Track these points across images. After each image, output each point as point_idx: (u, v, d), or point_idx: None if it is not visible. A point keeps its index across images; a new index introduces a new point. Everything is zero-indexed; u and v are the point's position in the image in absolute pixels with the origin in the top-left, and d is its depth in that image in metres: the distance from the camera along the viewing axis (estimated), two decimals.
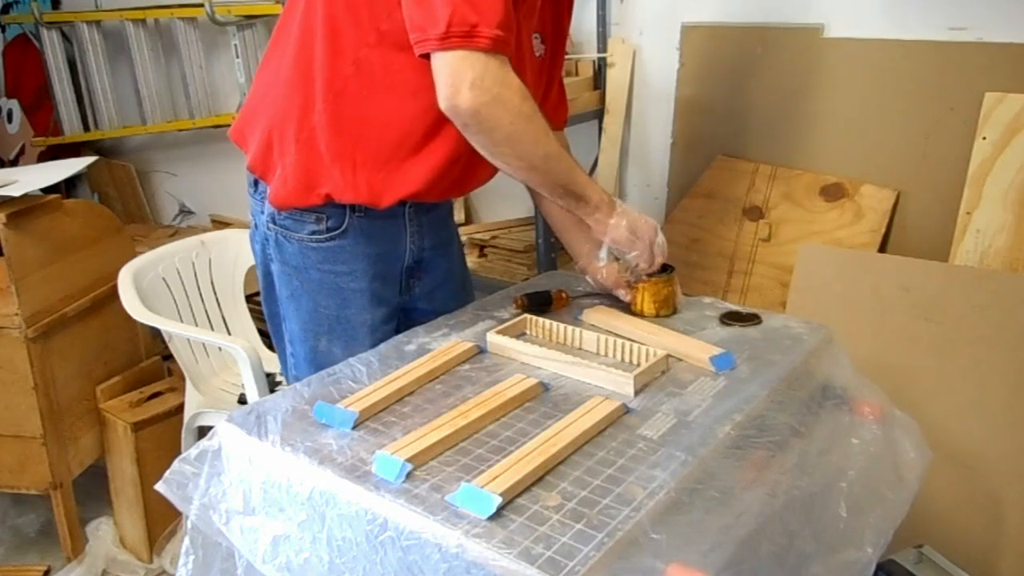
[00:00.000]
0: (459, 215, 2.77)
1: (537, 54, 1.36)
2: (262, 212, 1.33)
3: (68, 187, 3.64)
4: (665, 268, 1.33)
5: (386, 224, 1.33)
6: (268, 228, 1.32)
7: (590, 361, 1.12)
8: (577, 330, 1.23)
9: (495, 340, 1.21)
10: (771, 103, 2.15)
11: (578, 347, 1.22)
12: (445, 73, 1.08)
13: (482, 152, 1.17)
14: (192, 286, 2.21)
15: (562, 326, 1.24)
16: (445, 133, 1.22)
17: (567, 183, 1.21)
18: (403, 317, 1.43)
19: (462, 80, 1.07)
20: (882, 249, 1.97)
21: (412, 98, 1.19)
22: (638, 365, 1.13)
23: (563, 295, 1.37)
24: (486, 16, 1.05)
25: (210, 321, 2.23)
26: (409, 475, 0.89)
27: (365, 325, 1.34)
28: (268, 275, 1.38)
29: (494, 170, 1.28)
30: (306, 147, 1.24)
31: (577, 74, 2.43)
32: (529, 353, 1.17)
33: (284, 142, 1.26)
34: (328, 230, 1.29)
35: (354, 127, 1.23)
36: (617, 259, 1.33)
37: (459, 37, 1.05)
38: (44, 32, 3.31)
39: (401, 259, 1.38)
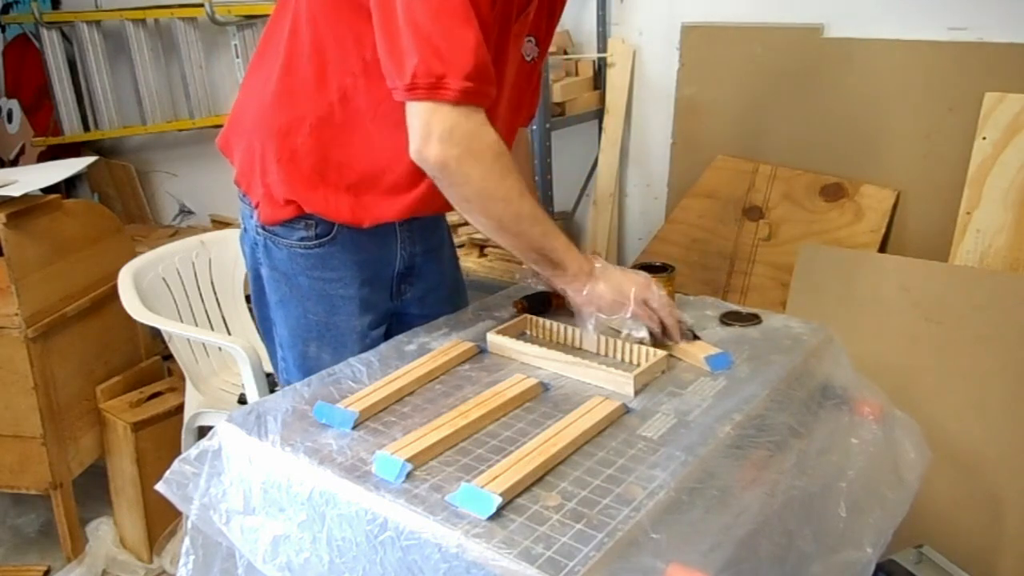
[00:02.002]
0: (459, 215, 2.76)
1: (529, 58, 1.33)
2: (251, 216, 1.31)
3: (68, 187, 3.63)
4: (665, 268, 1.33)
5: (376, 231, 1.31)
6: (257, 233, 1.31)
7: (590, 361, 1.12)
8: (577, 330, 1.22)
9: (495, 340, 1.21)
10: (771, 103, 2.15)
11: (578, 347, 1.22)
12: (416, 123, 1.05)
13: (453, 205, 1.15)
14: (192, 286, 2.21)
15: (562, 326, 1.24)
16: None
17: (540, 247, 1.15)
18: (395, 322, 1.42)
19: (431, 132, 1.04)
20: (882, 249, 1.97)
21: (396, 130, 1.13)
22: (638, 365, 1.13)
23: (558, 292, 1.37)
24: (453, 67, 1.01)
25: (210, 321, 2.23)
26: (409, 475, 0.89)
27: (354, 331, 1.33)
28: (258, 279, 1.37)
29: None
30: (288, 167, 1.23)
31: (577, 74, 2.43)
32: (529, 353, 1.17)
33: (266, 161, 1.24)
34: (317, 236, 1.27)
35: (338, 154, 1.22)
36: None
37: (425, 89, 1.02)
38: (44, 32, 3.31)
39: (392, 265, 1.37)
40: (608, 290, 1.16)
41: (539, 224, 1.13)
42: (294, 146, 1.22)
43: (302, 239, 1.28)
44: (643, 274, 1.19)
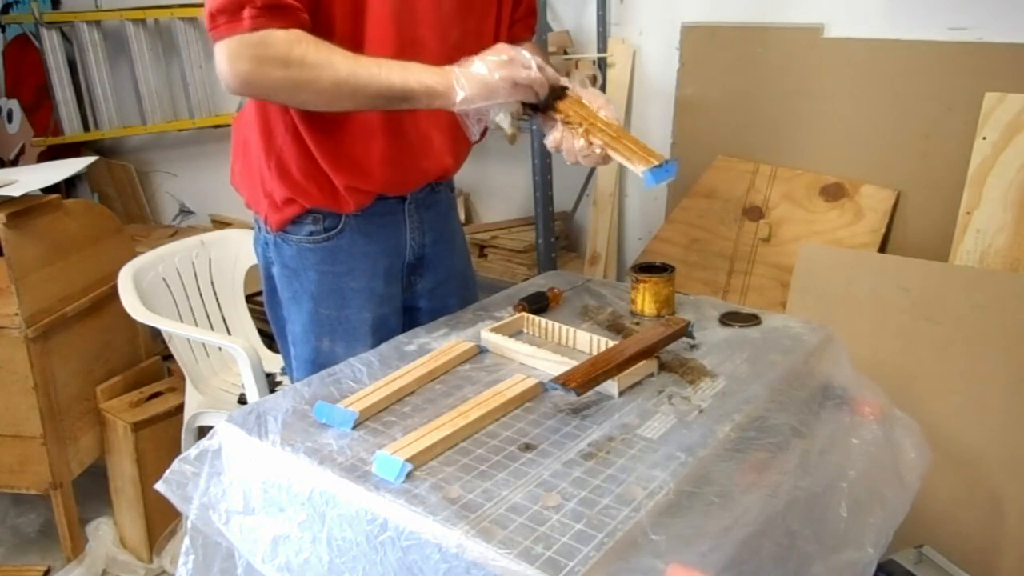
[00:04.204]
0: (459, 215, 2.77)
1: None
2: (263, 223, 1.34)
3: (68, 187, 3.63)
4: (665, 268, 1.33)
5: (385, 221, 1.33)
6: (268, 232, 1.33)
7: (580, 361, 1.11)
8: (572, 330, 1.23)
9: (489, 338, 1.21)
10: (771, 103, 2.16)
11: (572, 347, 1.22)
12: (216, 60, 1.10)
13: (302, 108, 1.18)
14: (192, 286, 2.21)
15: (558, 326, 1.24)
16: (385, 121, 1.23)
17: (380, 91, 1.11)
18: (406, 315, 1.43)
19: (221, 64, 1.08)
20: (882, 249, 1.97)
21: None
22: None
23: (555, 291, 1.38)
24: (223, 6, 1.06)
25: (210, 321, 2.23)
26: (409, 475, 0.89)
27: (366, 324, 1.34)
28: (270, 278, 1.38)
29: (448, 140, 1.32)
30: (278, 171, 1.27)
31: None
32: (521, 352, 1.17)
33: (262, 172, 1.29)
34: (325, 230, 1.30)
35: (315, 146, 1.24)
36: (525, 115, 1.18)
37: (224, 26, 1.07)
38: (44, 32, 3.31)
39: (401, 256, 1.38)
40: (468, 86, 1.10)
41: (363, 69, 1.10)
42: (278, 151, 1.26)
43: (311, 233, 1.30)
44: (503, 48, 1.14)
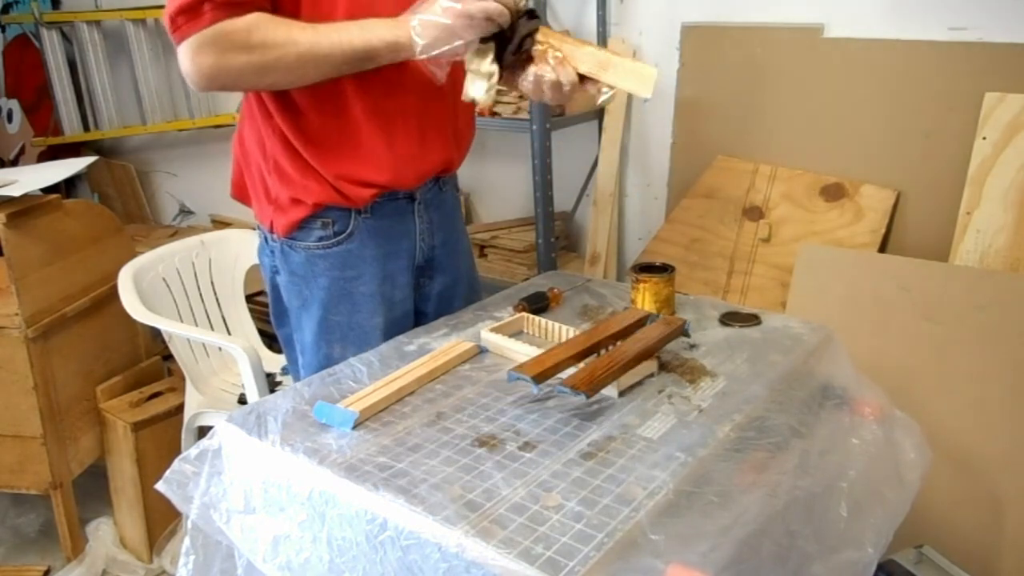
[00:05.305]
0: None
1: None
2: (269, 232, 1.32)
3: (68, 187, 3.63)
4: (665, 268, 1.33)
5: (395, 223, 1.32)
6: (274, 240, 1.31)
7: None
8: (572, 330, 1.23)
9: (489, 338, 1.21)
10: (771, 103, 2.16)
11: None
12: (180, 62, 1.12)
13: (270, 89, 1.19)
14: (192, 286, 2.21)
15: (558, 325, 1.24)
16: (382, 114, 1.23)
17: (344, 56, 1.11)
18: (415, 319, 1.42)
19: (184, 63, 1.11)
20: (882, 249, 1.97)
21: (339, 111, 1.21)
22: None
23: (555, 291, 1.38)
24: (173, 7, 1.07)
25: (210, 321, 2.23)
26: (408, 474, 0.89)
27: (378, 329, 1.32)
28: (275, 288, 1.37)
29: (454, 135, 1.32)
30: (276, 174, 1.27)
31: None
32: (521, 352, 1.16)
33: (264, 178, 1.29)
34: (335, 235, 1.28)
35: (308, 147, 1.23)
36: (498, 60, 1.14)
37: (185, 26, 1.08)
38: (44, 32, 3.31)
39: (411, 258, 1.36)
40: (421, 27, 1.09)
41: (323, 38, 1.10)
42: (274, 156, 1.26)
43: (320, 239, 1.28)
44: None
